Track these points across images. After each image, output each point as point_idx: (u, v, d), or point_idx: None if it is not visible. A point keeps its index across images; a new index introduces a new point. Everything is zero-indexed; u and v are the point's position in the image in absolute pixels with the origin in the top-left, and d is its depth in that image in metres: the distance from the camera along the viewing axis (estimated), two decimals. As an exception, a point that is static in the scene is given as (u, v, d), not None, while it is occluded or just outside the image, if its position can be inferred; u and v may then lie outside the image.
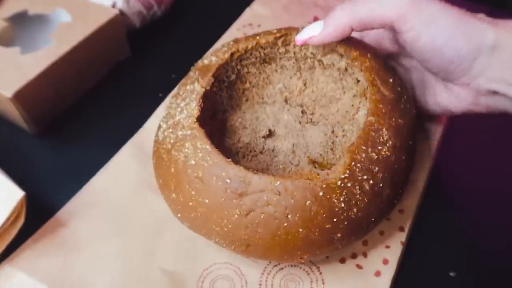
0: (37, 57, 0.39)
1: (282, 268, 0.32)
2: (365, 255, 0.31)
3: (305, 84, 0.37)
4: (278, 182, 0.26)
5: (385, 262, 0.31)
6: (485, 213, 0.34)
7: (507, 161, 0.37)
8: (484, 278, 0.31)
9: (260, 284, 0.31)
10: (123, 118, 0.42)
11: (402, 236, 0.32)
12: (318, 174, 0.26)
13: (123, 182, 0.37)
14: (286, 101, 0.37)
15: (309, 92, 0.37)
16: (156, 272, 0.32)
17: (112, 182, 0.37)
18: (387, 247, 0.31)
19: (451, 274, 0.31)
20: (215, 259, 0.32)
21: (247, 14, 0.51)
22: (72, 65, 0.40)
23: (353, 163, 0.26)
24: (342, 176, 0.26)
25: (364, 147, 0.27)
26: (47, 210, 0.36)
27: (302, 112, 0.36)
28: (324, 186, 0.26)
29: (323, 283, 0.31)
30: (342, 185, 0.26)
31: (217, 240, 0.29)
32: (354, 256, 0.31)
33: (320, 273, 0.31)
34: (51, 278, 0.32)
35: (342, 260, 0.31)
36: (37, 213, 0.35)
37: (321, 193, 0.26)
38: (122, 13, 0.43)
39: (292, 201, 0.26)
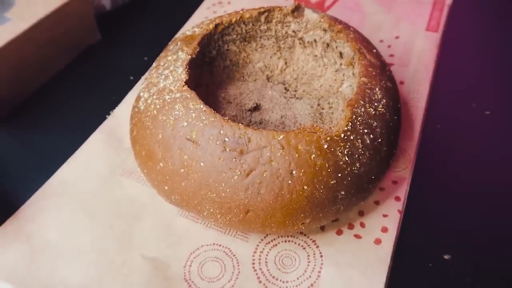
0: (-8, 35, 0.36)
1: (276, 245, 0.31)
2: (362, 225, 0.31)
3: (286, 63, 0.38)
4: (281, 136, 0.25)
5: (384, 230, 0.31)
6: (478, 193, 0.34)
7: (500, 134, 0.39)
8: (479, 260, 0.31)
9: (253, 264, 0.30)
10: (92, 103, 0.40)
11: (399, 205, 0.32)
12: (321, 128, 0.26)
13: (94, 169, 0.35)
14: (268, 79, 0.37)
15: (290, 71, 0.38)
16: (136, 259, 0.30)
17: (82, 170, 0.35)
18: (385, 215, 0.32)
19: (446, 257, 0.31)
20: (201, 242, 0.31)
21: None
22: (33, 46, 0.38)
23: (353, 116, 0.27)
24: (345, 128, 0.26)
25: (362, 102, 0.28)
26: (10, 204, 0.33)
27: (285, 89, 0.37)
28: (328, 138, 0.26)
29: (321, 256, 0.30)
30: (345, 137, 0.26)
31: (211, 210, 0.27)
32: (351, 226, 0.31)
33: (317, 246, 0.30)
34: (18, 278, 0.29)
35: (339, 232, 0.31)
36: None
37: (325, 146, 0.26)
38: (89, -9, 0.42)
39: (297, 155, 0.25)
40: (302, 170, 0.25)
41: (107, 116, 0.39)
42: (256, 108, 0.34)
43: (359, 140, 0.27)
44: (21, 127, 0.39)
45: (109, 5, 0.46)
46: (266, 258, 0.30)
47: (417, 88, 0.40)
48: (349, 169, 0.26)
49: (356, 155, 0.27)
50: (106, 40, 0.47)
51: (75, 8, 0.41)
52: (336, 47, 0.34)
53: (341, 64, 0.35)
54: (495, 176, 0.36)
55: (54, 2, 0.39)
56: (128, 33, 0.48)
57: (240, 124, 0.26)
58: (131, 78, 0.42)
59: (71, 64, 0.44)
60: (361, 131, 0.27)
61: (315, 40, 0.36)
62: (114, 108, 0.39)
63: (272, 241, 0.31)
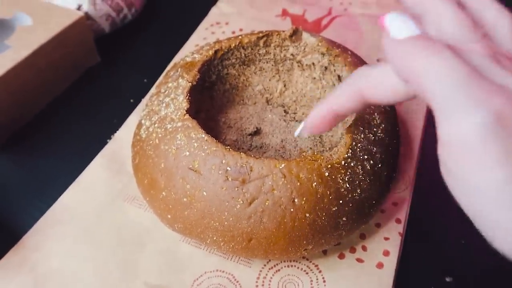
0: (-7, 63, 0.37)
1: (279, 270, 0.31)
2: (364, 248, 0.32)
3: (285, 86, 0.38)
4: (283, 165, 0.26)
5: (386, 253, 0.31)
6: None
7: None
8: (481, 282, 0.31)
9: (257, 290, 0.30)
10: (92, 127, 0.41)
11: (400, 228, 0.32)
12: (322, 155, 0.27)
13: (96, 195, 0.35)
14: (267, 102, 0.38)
15: (289, 93, 0.38)
16: (140, 287, 0.30)
17: (84, 196, 0.35)
18: (386, 238, 0.32)
19: (447, 279, 0.31)
20: (204, 268, 0.31)
21: (214, 13, 0.52)
22: (33, 71, 0.39)
23: (353, 143, 0.27)
24: (346, 156, 0.27)
25: (361, 128, 0.28)
26: (12, 232, 0.33)
27: (285, 111, 0.37)
28: (329, 166, 0.26)
29: (324, 281, 0.30)
30: (346, 164, 0.27)
31: (214, 238, 0.28)
32: (353, 250, 0.32)
33: (320, 271, 0.31)
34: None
35: (341, 256, 0.31)
36: (1, 237, 0.32)
37: (326, 174, 0.26)
38: (88, 16, 0.42)
39: (298, 183, 0.26)
40: (304, 198, 0.26)
41: (108, 140, 0.39)
42: (257, 132, 0.35)
43: (360, 167, 0.27)
44: (22, 153, 0.39)
45: (108, 28, 0.46)
46: (269, 284, 0.30)
47: (415, 107, 0.41)
48: (350, 196, 0.27)
49: (357, 182, 0.27)
50: (106, 62, 0.47)
51: (75, 33, 0.41)
52: (335, 70, 0.35)
53: (339, 87, 0.35)
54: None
55: (54, 28, 0.40)
56: (127, 55, 0.48)
57: (241, 153, 0.26)
58: (131, 100, 0.43)
59: (71, 87, 0.44)
60: (361, 157, 0.27)
61: (313, 63, 0.36)
62: (115, 131, 0.40)
63: (275, 266, 0.31)
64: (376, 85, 0.20)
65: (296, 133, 0.26)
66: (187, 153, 0.27)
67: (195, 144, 0.27)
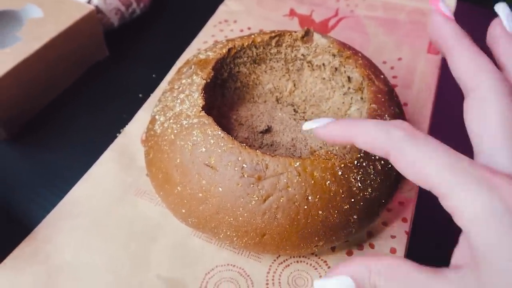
0: (4, 55, 0.37)
1: (288, 265, 0.32)
2: (371, 246, 0.33)
3: (294, 85, 0.39)
4: (298, 163, 0.27)
5: (393, 251, 0.32)
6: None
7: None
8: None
9: (267, 284, 0.31)
10: (101, 120, 0.41)
11: (406, 226, 0.34)
12: (335, 155, 0.28)
13: (107, 189, 0.36)
14: (277, 101, 0.39)
15: (299, 93, 0.39)
16: (152, 280, 0.31)
17: (95, 190, 0.36)
18: (393, 237, 0.33)
19: None
20: (215, 262, 0.32)
21: (222, 11, 0.53)
22: (43, 64, 0.39)
23: (367, 144, 0.29)
24: (358, 155, 0.28)
25: (374, 130, 0.29)
26: (23, 224, 0.34)
27: (294, 110, 0.38)
28: (342, 165, 0.27)
29: (332, 277, 0.32)
30: (358, 164, 0.28)
31: (228, 233, 0.29)
32: (360, 247, 0.33)
33: (328, 267, 0.32)
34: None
35: (349, 253, 0.33)
36: (11, 228, 0.33)
37: (340, 173, 0.27)
38: (98, 10, 0.43)
39: (312, 181, 0.27)
40: (318, 196, 0.27)
41: (117, 134, 0.40)
42: (268, 130, 0.36)
43: (371, 167, 0.28)
44: (31, 145, 0.40)
45: (117, 22, 0.47)
46: (279, 279, 0.31)
47: (420, 110, 0.42)
48: (361, 195, 0.28)
49: (368, 181, 0.28)
50: (114, 56, 0.48)
51: (85, 27, 0.42)
52: (345, 72, 0.36)
53: (349, 88, 0.36)
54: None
55: (64, 21, 0.41)
56: (135, 49, 0.49)
57: (257, 151, 0.27)
58: (140, 95, 0.43)
59: (79, 80, 0.45)
60: (373, 157, 0.28)
61: (323, 64, 0.37)
62: (124, 126, 0.40)
63: (284, 261, 0.32)
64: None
65: (305, 128, 0.25)
66: (204, 149, 0.28)
67: (212, 141, 0.28)
